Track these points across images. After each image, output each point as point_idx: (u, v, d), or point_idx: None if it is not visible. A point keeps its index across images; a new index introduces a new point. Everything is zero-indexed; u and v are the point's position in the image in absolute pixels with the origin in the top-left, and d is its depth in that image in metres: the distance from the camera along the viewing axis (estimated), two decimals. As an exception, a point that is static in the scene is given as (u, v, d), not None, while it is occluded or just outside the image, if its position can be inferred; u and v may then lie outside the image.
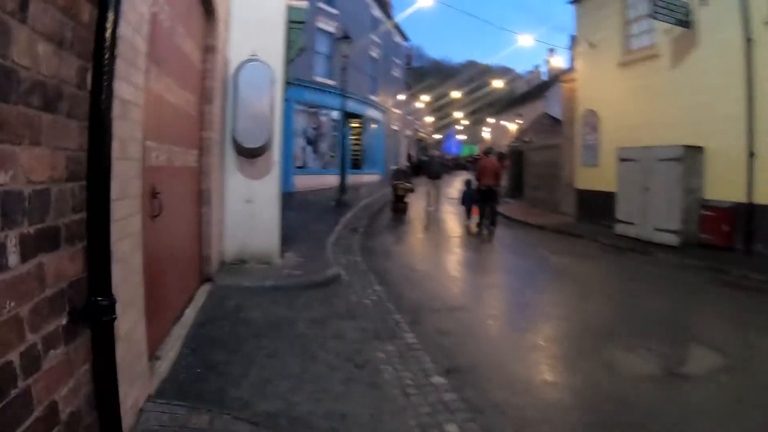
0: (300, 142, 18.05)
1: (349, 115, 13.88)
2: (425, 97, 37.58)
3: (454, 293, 6.04)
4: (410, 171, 14.11)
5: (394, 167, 11.52)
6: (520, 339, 4.45)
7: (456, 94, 40.50)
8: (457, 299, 5.74)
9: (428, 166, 13.84)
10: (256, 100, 5.62)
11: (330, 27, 18.40)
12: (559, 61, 27.70)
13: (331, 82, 18.64)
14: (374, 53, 24.87)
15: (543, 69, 46.23)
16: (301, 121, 17.94)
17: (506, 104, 48.53)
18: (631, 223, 9.84)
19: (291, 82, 15.23)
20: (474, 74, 55.35)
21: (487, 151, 11.94)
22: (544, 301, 5.84)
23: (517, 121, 31.82)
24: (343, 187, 12.99)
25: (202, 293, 4.74)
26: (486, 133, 52.07)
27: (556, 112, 30.01)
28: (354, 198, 14.04)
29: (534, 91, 42.14)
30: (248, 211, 5.98)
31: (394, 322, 4.47)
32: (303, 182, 16.91)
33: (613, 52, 11.41)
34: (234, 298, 4.78)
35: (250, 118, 5.57)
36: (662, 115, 9.76)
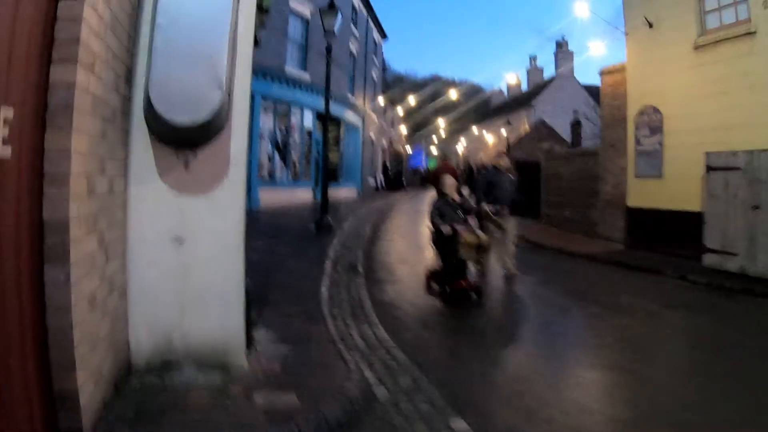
0: (266, 147, 14.60)
1: (327, 118, 10.56)
2: (406, 102, 34.87)
3: None
4: (481, 202, 6.76)
5: (441, 202, 5.33)
6: None
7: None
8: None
9: (491, 187, 6.81)
10: (200, 24, 2.57)
11: (305, 10, 15.27)
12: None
13: (305, 76, 15.49)
14: (353, 47, 21.77)
15: (523, 79, 45.33)
16: (267, 122, 14.57)
17: (488, 113, 46.78)
18: (732, 254, 7.29)
19: (256, 71, 11.88)
20: (439, 88, 53.87)
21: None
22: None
23: (502, 131, 29.83)
24: (325, 207, 9.83)
25: None
26: (460, 146, 50.14)
27: (547, 120, 28.62)
28: (336, 219, 10.94)
29: (520, 99, 40.52)
30: (180, 262, 2.86)
31: None
32: (269, 198, 13.60)
33: (685, 32, 8.76)
34: None
35: (183, 59, 2.50)
36: (764, 110, 7.34)
